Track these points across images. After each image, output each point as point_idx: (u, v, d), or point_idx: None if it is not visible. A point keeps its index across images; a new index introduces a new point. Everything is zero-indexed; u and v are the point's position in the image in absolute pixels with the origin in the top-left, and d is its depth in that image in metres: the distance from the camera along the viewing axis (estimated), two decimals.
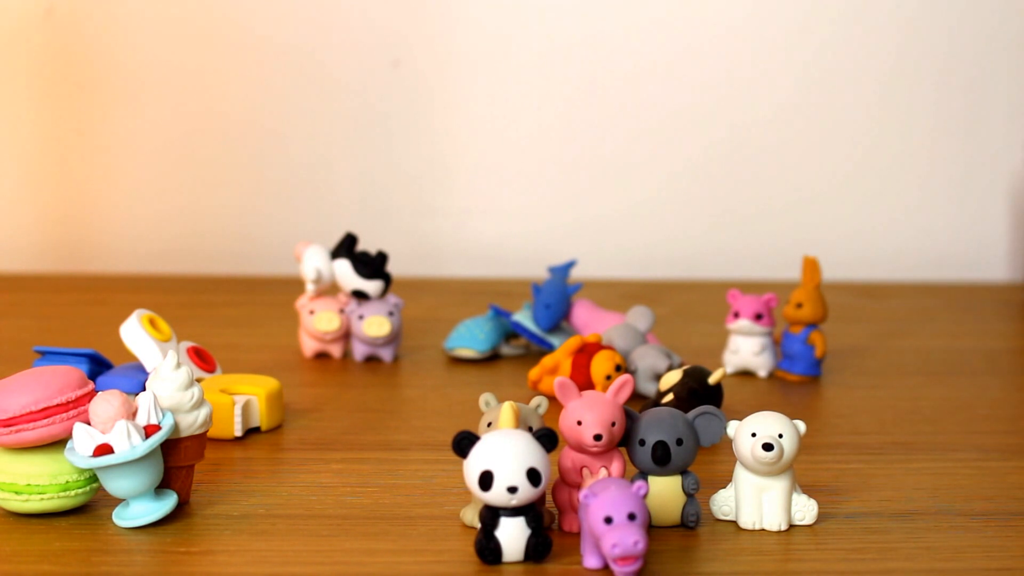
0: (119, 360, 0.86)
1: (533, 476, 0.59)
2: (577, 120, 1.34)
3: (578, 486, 0.63)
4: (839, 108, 1.33)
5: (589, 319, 0.98)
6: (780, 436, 0.64)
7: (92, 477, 0.66)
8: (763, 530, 0.65)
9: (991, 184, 1.31)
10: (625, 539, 0.56)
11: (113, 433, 0.63)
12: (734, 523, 0.66)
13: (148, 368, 0.82)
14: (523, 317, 0.97)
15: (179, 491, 0.67)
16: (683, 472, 0.65)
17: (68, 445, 0.65)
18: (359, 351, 0.97)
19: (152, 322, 0.84)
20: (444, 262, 1.34)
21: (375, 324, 0.95)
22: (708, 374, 0.79)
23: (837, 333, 1.00)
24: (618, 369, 0.84)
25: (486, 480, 0.59)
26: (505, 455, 0.59)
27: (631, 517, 0.57)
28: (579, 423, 0.63)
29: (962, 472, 0.74)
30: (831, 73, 1.32)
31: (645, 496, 0.58)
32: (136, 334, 0.83)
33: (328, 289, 0.98)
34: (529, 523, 0.60)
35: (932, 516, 0.67)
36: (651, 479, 0.64)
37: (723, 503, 0.66)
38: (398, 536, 0.64)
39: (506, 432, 0.60)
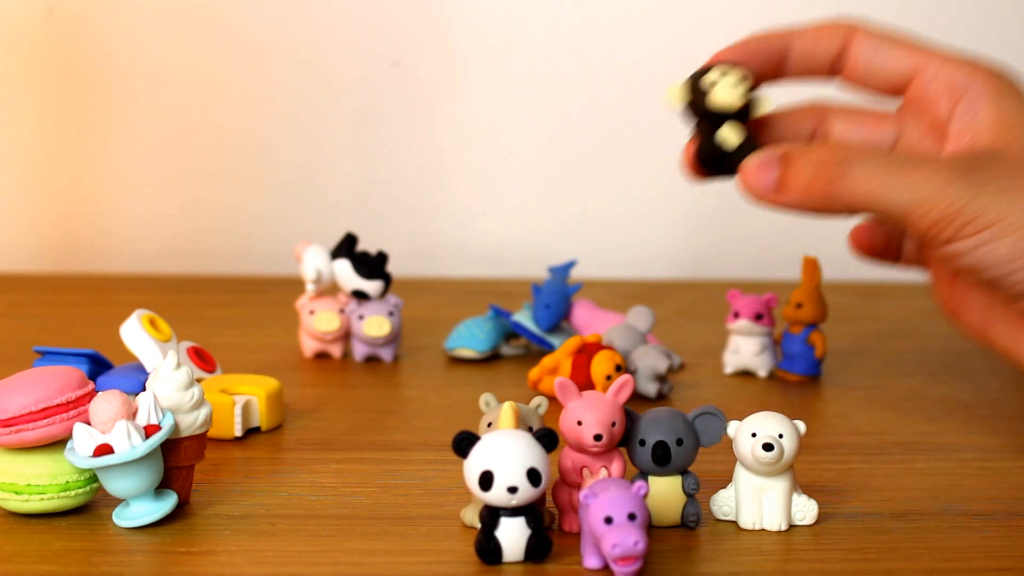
0: (119, 360, 0.86)
1: (533, 476, 0.59)
2: (577, 120, 1.34)
3: (578, 486, 0.63)
4: None
5: (589, 319, 0.98)
6: (780, 436, 0.64)
7: (92, 477, 0.66)
8: (763, 530, 0.65)
9: None
10: (625, 539, 0.56)
11: (113, 433, 0.63)
12: (734, 523, 0.66)
13: (148, 368, 0.82)
14: (523, 317, 0.98)
15: (179, 491, 0.67)
16: (683, 472, 0.65)
17: (68, 445, 0.65)
18: (359, 351, 0.97)
19: (152, 322, 0.84)
20: (444, 262, 1.34)
21: (375, 324, 0.95)
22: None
23: (837, 333, 1.00)
24: (618, 369, 0.84)
25: (486, 480, 0.59)
26: (505, 455, 0.59)
27: (631, 517, 0.57)
28: (579, 423, 0.63)
29: (962, 472, 0.74)
30: None
31: (645, 496, 0.58)
32: (136, 334, 0.83)
33: (328, 289, 0.98)
34: (529, 523, 0.60)
35: (932, 516, 0.67)
36: (651, 479, 0.64)
37: (723, 503, 0.66)
38: (398, 536, 0.64)
39: (506, 432, 0.60)
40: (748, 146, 0.67)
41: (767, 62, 0.71)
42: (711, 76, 0.67)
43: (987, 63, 0.68)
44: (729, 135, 0.67)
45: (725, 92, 0.67)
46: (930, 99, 0.69)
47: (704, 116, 0.67)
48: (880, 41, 0.71)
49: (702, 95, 0.67)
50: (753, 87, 0.68)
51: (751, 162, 0.66)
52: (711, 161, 0.68)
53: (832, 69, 0.71)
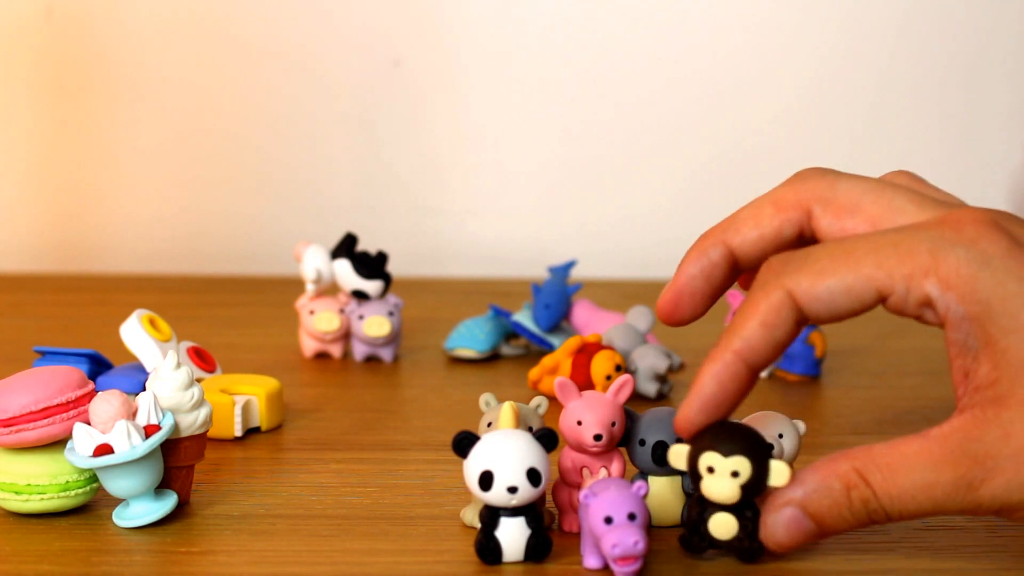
0: (119, 360, 0.86)
1: (533, 476, 0.59)
2: (578, 120, 1.34)
3: (578, 486, 0.63)
4: (838, 110, 1.33)
5: (589, 319, 0.98)
6: (780, 436, 0.64)
7: (92, 477, 0.66)
8: None
9: (990, 184, 1.31)
10: (625, 539, 0.56)
11: (113, 433, 0.63)
12: None
13: (148, 368, 0.82)
14: (523, 317, 0.97)
15: (179, 491, 0.67)
16: (683, 472, 0.65)
17: (68, 445, 0.65)
18: (359, 351, 0.97)
19: (152, 322, 0.84)
20: (444, 262, 1.34)
21: (375, 324, 0.95)
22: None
23: (837, 333, 0.99)
24: (618, 369, 0.84)
25: (486, 480, 0.59)
26: (505, 455, 0.59)
27: (631, 517, 0.57)
28: (579, 423, 0.63)
29: None
30: (831, 76, 1.32)
31: (645, 496, 0.58)
32: (136, 334, 0.83)
33: (328, 289, 0.98)
34: (529, 523, 0.60)
35: (932, 516, 0.67)
36: (651, 479, 0.64)
37: None
38: (398, 536, 0.64)
39: (506, 432, 0.60)
40: (746, 529, 0.58)
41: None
42: (702, 462, 0.58)
43: (962, 253, 0.53)
44: (719, 530, 0.59)
45: (716, 487, 0.58)
46: (913, 316, 0.55)
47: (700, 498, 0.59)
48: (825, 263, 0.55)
49: (697, 479, 0.58)
50: (760, 462, 0.57)
51: (778, 530, 0.57)
52: (701, 547, 0.60)
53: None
